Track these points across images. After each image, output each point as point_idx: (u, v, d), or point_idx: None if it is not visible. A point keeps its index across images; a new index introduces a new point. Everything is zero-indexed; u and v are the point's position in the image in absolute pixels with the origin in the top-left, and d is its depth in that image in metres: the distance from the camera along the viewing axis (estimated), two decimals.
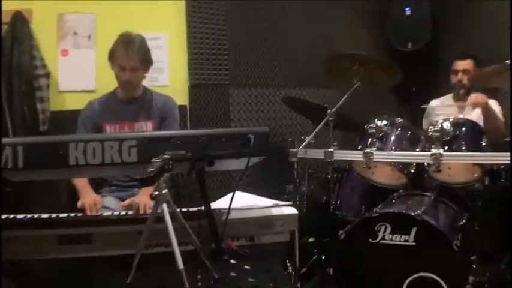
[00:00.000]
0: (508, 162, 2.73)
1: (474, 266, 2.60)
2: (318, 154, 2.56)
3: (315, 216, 3.25)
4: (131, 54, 2.79)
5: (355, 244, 2.58)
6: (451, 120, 2.74)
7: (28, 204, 3.20)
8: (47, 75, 3.49)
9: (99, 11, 3.66)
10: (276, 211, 2.18)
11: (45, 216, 2.10)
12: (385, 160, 2.59)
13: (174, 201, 1.77)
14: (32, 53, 3.44)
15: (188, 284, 1.65)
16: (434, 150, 2.29)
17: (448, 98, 4.02)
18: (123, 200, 2.77)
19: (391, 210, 2.65)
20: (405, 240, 2.46)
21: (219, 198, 2.32)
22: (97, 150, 1.81)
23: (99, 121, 2.93)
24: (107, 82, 3.08)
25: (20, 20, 3.41)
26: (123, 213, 2.38)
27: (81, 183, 2.78)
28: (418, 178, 3.05)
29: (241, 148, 1.84)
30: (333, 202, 3.22)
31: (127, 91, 2.96)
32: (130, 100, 2.98)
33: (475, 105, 3.37)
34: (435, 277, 2.39)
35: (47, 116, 3.48)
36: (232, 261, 2.03)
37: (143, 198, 2.54)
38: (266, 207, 2.19)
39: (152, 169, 1.57)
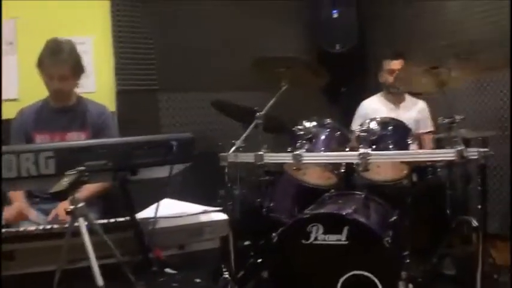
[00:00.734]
0: (433, 159, 2.82)
1: (407, 261, 2.66)
2: (248, 158, 2.54)
3: (250, 219, 3.23)
4: (60, 62, 2.68)
5: (289, 246, 2.58)
6: (378, 119, 2.78)
7: None
8: None
9: (20, 15, 3.50)
10: (205, 218, 2.13)
11: None
12: (314, 161, 2.60)
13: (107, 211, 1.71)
14: None
15: None
16: (362, 150, 2.31)
17: (379, 98, 4.11)
18: (48, 212, 2.66)
19: (322, 211, 2.68)
20: (338, 240, 2.48)
21: (150, 206, 2.25)
22: (13, 162, 1.71)
23: (30, 130, 2.81)
24: (30, 90, 2.96)
25: None
26: (48, 227, 2.27)
27: (14, 193, 2.67)
28: (348, 177, 3.10)
29: (164, 155, 1.79)
30: (267, 204, 3.22)
31: (58, 100, 2.85)
32: (62, 109, 2.86)
33: None
34: (368, 274, 2.42)
35: None
36: (163, 272, 1.98)
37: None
38: (195, 214, 2.14)
39: (66, 182, 1.49)
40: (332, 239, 2.48)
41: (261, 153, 2.47)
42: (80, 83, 2.87)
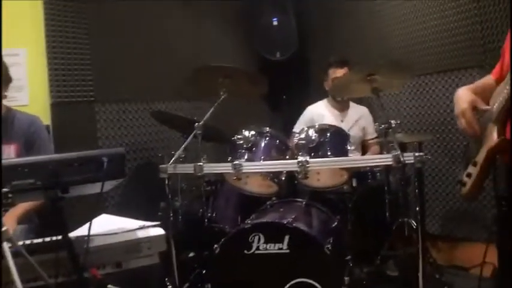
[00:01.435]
0: (370, 164, 2.87)
1: (350, 265, 2.69)
2: (188, 168, 2.50)
3: (193, 230, 3.19)
4: None
5: (231, 257, 2.56)
6: (316, 127, 2.80)
7: None
8: None
9: None
10: (142, 233, 2.08)
11: None
12: (254, 171, 2.59)
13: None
14: None
15: None
16: (300, 158, 2.31)
17: (325, 104, 4.16)
18: None
19: (263, 220, 2.67)
20: (279, 249, 2.49)
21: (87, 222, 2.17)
22: None
23: None
24: None
25: None
26: None
27: None
28: (291, 185, 3.11)
29: (95, 172, 1.74)
30: (209, 215, 3.20)
31: None
32: None
33: None
34: (311, 282, 2.43)
35: None
36: None
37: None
38: (131, 230, 2.09)
39: None
40: (273, 248, 2.49)
41: (201, 164, 2.44)
42: (7, 94, 2.74)
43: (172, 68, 3.94)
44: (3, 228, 1.47)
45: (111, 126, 3.80)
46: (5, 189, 1.51)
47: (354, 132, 3.78)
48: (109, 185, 1.80)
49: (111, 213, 2.56)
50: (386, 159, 2.15)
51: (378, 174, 3.41)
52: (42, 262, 1.75)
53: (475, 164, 1.99)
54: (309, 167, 2.30)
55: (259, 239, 2.50)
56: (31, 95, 3.55)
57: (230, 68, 2.80)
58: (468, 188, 2.03)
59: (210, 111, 2.67)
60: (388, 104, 4.13)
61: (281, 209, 2.90)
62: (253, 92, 3.03)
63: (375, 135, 3.93)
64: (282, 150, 2.82)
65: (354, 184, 3.31)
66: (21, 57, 3.54)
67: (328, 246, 2.48)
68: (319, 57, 4.61)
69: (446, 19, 3.85)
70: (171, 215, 2.86)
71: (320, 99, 4.21)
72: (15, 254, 1.57)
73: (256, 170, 2.56)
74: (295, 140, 2.78)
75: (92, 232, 1.89)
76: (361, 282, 3.06)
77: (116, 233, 2.05)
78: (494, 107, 1.83)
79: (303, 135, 2.73)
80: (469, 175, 2.03)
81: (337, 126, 2.98)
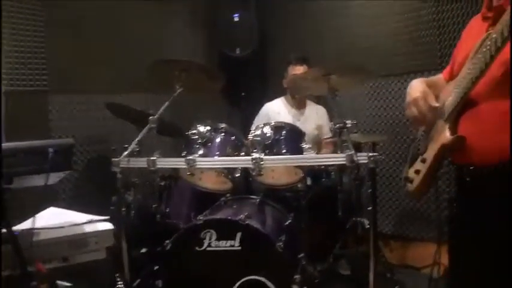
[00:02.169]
0: (324, 163, 2.88)
1: (302, 263, 2.70)
2: (141, 163, 2.46)
3: (145, 225, 3.15)
4: None
5: (183, 253, 2.54)
6: (271, 124, 2.80)
7: None
8: None
9: None
10: (89, 228, 2.04)
11: None
12: (208, 166, 2.57)
13: None
14: None
15: None
16: (255, 155, 2.30)
17: (283, 101, 4.18)
18: None
19: (216, 217, 2.66)
20: (231, 246, 2.48)
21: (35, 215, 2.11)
22: None
23: None
24: None
25: None
26: None
27: None
28: (245, 182, 3.10)
29: (41, 163, 1.69)
30: (162, 210, 3.16)
31: None
32: None
33: None
34: (262, 279, 2.43)
35: None
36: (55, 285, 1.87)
37: None
38: (78, 224, 2.04)
39: None
40: (225, 245, 2.48)
41: (154, 158, 2.40)
42: None
43: (130, 61, 3.87)
44: None
45: (64, 117, 3.70)
46: None
47: (310, 131, 3.81)
48: (55, 177, 1.75)
49: (63, 206, 2.50)
50: (340, 158, 2.16)
51: (332, 173, 3.45)
52: None
53: (423, 161, 2.00)
54: (263, 164, 2.29)
55: (211, 236, 2.48)
56: None
57: (186, 62, 2.77)
58: (416, 185, 2.05)
59: (165, 104, 2.63)
60: (346, 105, 4.18)
61: (234, 206, 2.89)
62: (210, 87, 3.00)
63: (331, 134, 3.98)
64: (237, 147, 2.80)
65: (309, 182, 3.33)
66: None
67: (280, 244, 2.48)
68: (279, 55, 4.64)
69: (405, 22, 3.93)
70: (123, 209, 2.82)
71: (278, 97, 4.22)
72: None
73: (210, 165, 2.53)
74: (250, 136, 2.77)
75: (38, 225, 1.85)
76: (313, 281, 3.08)
77: (62, 227, 2.00)
78: (446, 104, 1.85)
79: (258, 132, 2.72)
80: (417, 172, 2.04)
81: (293, 124, 2.98)
